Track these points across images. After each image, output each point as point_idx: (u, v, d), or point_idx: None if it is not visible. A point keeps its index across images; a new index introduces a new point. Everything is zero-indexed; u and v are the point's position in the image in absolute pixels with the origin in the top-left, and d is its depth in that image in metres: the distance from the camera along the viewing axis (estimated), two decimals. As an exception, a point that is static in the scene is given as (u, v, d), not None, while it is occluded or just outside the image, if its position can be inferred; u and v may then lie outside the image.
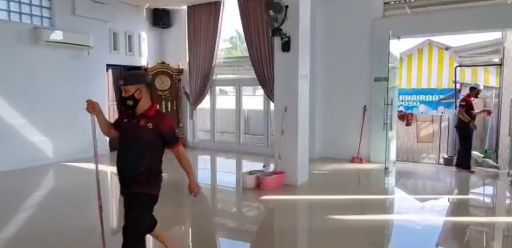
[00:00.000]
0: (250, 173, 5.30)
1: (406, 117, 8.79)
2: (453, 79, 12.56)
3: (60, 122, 7.11)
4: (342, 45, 7.19)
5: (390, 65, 6.54)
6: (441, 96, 15.91)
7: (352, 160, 7.00)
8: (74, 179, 5.87)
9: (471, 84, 13.33)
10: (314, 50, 7.19)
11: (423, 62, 16.85)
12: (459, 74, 13.90)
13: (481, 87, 6.53)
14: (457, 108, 6.76)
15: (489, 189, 5.67)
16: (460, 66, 11.75)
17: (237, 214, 4.46)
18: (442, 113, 16.08)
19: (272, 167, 5.60)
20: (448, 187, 5.63)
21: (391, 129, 6.25)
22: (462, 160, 6.32)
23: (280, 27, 4.90)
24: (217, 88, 9.80)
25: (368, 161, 6.97)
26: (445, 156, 7.33)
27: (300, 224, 4.17)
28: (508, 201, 4.99)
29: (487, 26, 6.02)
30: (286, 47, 5.11)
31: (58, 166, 6.69)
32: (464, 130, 6.30)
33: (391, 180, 6.07)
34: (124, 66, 8.53)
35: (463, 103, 6.34)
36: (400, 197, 5.11)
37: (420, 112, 16.52)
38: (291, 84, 5.17)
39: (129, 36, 8.49)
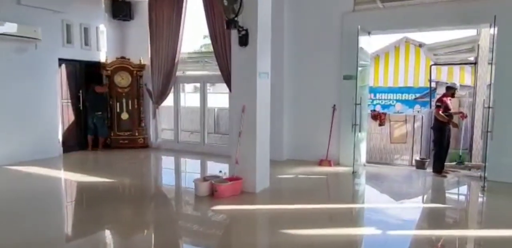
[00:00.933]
0: (205, 179, 4.82)
1: (379, 117, 8.46)
2: (429, 78, 12.37)
3: (4, 122, 6.44)
4: (311, 41, 6.77)
5: (360, 62, 6.16)
6: (417, 95, 15.79)
7: (321, 163, 6.61)
8: (17, 186, 5.28)
9: (447, 83, 13.14)
10: (282, 46, 6.77)
11: (399, 60, 16.68)
12: (435, 72, 13.75)
13: (458, 86, 6.21)
14: (433, 109, 6.44)
15: (461, 197, 5.31)
16: (435, 64, 11.54)
17: (180, 228, 3.93)
18: (418, 111, 15.97)
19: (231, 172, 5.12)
20: (418, 194, 5.23)
21: (360, 131, 5.87)
22: (435, 163, 6.00)
23: (235, 19, 4.42)
24: (192, 85, 9.30)
25: (338, 164, 6.59)
26: (417, 158, 7.01)
27: (253, 241, 3.69)
28: (479, 209, 4.67)
29: (461, 22, 5.69)
30: (243, 41, 4.64)
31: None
32: (439, 132, 5.97)
33: (359, 186, 5.69)
34: (80, 61, 7.90)
35: (439, 104, 6.01)
36: (367, 207, 4.69)
37: (396, 111, 16.39)
38: (249, 81, 4.71)
39: (85, 29, 7.86)
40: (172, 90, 8.21)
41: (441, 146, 5.97)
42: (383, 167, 6.94)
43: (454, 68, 15.45)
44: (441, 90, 13.10)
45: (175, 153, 7.90)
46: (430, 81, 11.57)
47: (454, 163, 6.85)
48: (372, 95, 16.97)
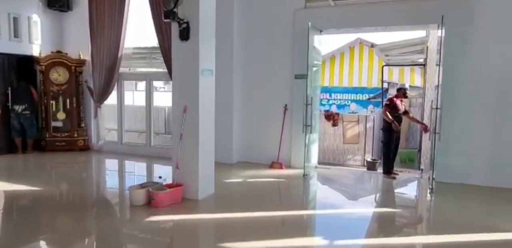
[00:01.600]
0: (142, 186, 4.37)
1: (332, 117, 8.37)
2: (381, 78, 12.56)
3: None
4: (263, 38, 6.49)
5: (314, 62, 5.97)
6: (371, 95, 16.08)
7: (272, 165, 6.35)
8: None
9: (397, 83, 13.42)
10: (232, 43, 6.43)
11: (354, 60, 16.93)
12: (387, 73, 14.01)
13: (407, 87, 6.16)
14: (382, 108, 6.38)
15: (410, 201, 5.19)
16: (387, 65, 11.72)
17: (105, 244, 3.49)
18: (371, 111, 16.27)
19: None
20: (368, 198, 5.03)
21: (311, 132, 5.65)
22: (384, 164, 5.92)
23: (174, 10, 4.02)
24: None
25: (289, 166, 6.36)
26: (369, 159, 6.95)
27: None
28: (428, 214, 4.59)
29: (411, 22, 5.63)
30: (184, 34, 4.24)
31: None
32: (387, 132, 5.89)
33: (309, 190, 5.46)
34: (9, 55, 7.10)
35: (387, 103, 5.96)
36: (318, 213, 4.44)
37: (351, 111, 16.61)
38: (190, 79, 4.32)
39: (15, 19, 7.07)
40: (116, 87, 7.61)
41: (389, 147, 5.90)
42: (335, 168, 6.80)
43: (405, 69, 15.90)
44: (393, 91, 13.39)
45: (119, 156, 7.32)
46: (382, 81, 11.72)
47: (405, 163, 6.85)
48: (328, 95, 17.11)
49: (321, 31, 6.13)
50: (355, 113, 16.33)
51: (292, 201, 4.90)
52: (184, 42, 4.28)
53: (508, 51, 5.11)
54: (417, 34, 9.45)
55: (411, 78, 15.86)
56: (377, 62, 16.34)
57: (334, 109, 16.63)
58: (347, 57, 17.08)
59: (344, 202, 4.78)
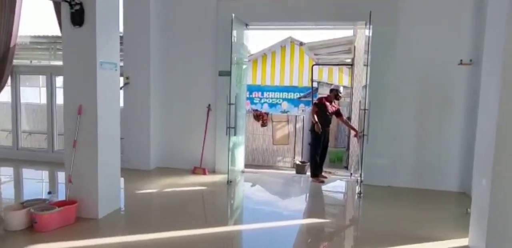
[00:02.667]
0: (23, 205, 3.52)
1: (261, 117, 7.98)
2: (311, 78, 12.55)
3: None
4: (184, 30, 5.84)
5: (240, 58, 5.47)
6: (301, 94, 16.15)
7: (194, 171, 5.75)
8: None
9: (327, 83, 13.53)
10: (148, 36, 5.70)
11: (285, 59, 16.88)
12: (317, 73, 14.09)
13: (341, 89, 5.92)
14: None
15: (338, 208, 4.88)
16: (317, 64, 11.70)
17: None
18: (303, 110, 16.34)
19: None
20: (296, 208, 4.55)
21: (235, 134, 5.15)
22: (312, 168, 5.63)
23: (61, -13, 3.25)
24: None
25: (213, 171, 5.82)
26: (298, 161, 6.65)
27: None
28: (357, 223, 4.32)
29: (339, 18, 5.39)
30: (77, 18, 3.47)
31: None
32: (314, 134, 5.59)
33: (234, 199, 4.93)
34: None
35: (316, 102, 5.68)
36: (243, 229, 3.93)
37: (283, 109, 16.55)
38: (86, 73, 3.56)
39: None
40: (10, 83, 6.44)
41: (316, 149, 5.62)
42: (262, 172, 6.38)
43: (334, 69, 16.20)
44: (323, 90, 13.50)
45: (13, 164, 6.19)
46: (312, 81, 11.67)
47: (334, 162, 6.65)
48: (260, 93, 16.89)
49: (247, 24, 5.65)
50: (287, 112, 16.33)
51: (215, 215, 4.28)
52: (78, 28, 3.51)
53: (430, 52, 5.07)
54: (345, 33, 9.46)
55: (339, 78, 16.22)
56: (307, 62, 16.46)
57: (266, 107, 16.47)
58: (279, 56, 16.98)
59: (271, 214, 4.28)
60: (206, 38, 5.76)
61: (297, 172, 6.28)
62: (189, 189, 4.99)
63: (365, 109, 4.61)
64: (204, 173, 5.68)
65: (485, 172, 2.94)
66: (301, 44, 7.93)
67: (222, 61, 5.57)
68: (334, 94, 5.73)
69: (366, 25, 5.38)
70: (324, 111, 5.55)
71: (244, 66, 5.86)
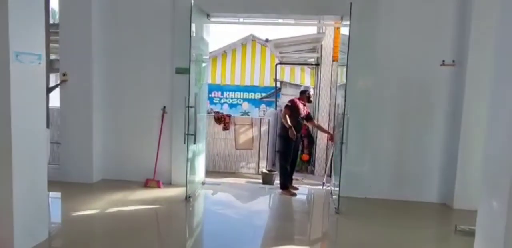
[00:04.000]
0: None
1: (223, 120, 7.28)
2: (274, 77, 12.00)
3: None
4: (134, 18, 5.02)
5: (199, 55, 4.74)
6: (263, 94, 15.60)
7: (147, 184, 4.95)
8: None
9: (289, 82, 13.01)
10: (89, 25, 4.82)
11: (246, 58, 16.26)
12: (279, 72, 13.57)
13: (311, 90, 5.33)
14: (280, 110, 5.50)
15: (313, 229, 4.15)
16: (280, 63, 11.17)
17: None
18: (264, 111, 15.78)
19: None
20: (264, 229, 3.76)
21: (194, 142, 4.41)
22: (281, 178, 5.03)
23: None
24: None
25: (169, 183, 5.05)
26: (264, 170, 6.03)
27: None
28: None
29: (312, 10, 4.82)
30: (-19, -6, 2.59)
31: None
32: (285, 140, 4.99)
33: (193, 222, 4.15)
34: None
35: (289, 104, 5.03)
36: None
37: (243, 110, 15.91)
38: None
39: None
40: None
41: (287, 157, 5.02)
42: (225, 183, 5.69)
43: (296, 69, 15.82)
44: (286, 91, 12.99)
45: None
46: (276, 80, 11.12)
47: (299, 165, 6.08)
48: (220, 93, 16.14)
49: (208, 15, 4.94)
50: (248, 112, 15.72)
51: (171, 245, 3.51)
52: (-18, 7, 2.63)
53: (411, 52, 4.64)
54: (309, 32, 9.00)
55: (301, 78, 15.86)
56: (269, 60, 15.94)
57: (226, 108, 15.75)
58: (239, 54, 16.32)
59: (237, 240, 3.59)
60: (160, 28, 4.97)
61: (264, 182, 5.66)
62: (140, 209, 4.17)
63: (344, 114, 4.06)
64: (158, 186, 4.90)
65: (499, 192, 2.45)
66: (266, 40, 7.31)
67: (179, 57, 4.81)
68: (306, 96, 5.15)
69: (341, 20, 4.87)
70: (297, 114, 4.96)
71: (204, 64, 5.14)
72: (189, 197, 4.45)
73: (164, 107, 5.04)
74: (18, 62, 2.74)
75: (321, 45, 8.35)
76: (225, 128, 7.31)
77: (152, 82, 5.07)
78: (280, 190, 4.98)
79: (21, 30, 2.77)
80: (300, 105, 5.03)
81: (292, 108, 4.96)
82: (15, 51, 2.71)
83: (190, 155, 4.42)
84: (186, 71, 4.51)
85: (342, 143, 4.16)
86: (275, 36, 7.41)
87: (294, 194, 4.91)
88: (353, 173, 4.75)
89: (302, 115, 5.04)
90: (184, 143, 4.33)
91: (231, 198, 5.02)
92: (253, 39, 16.04)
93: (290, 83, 12.91)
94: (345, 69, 4.48)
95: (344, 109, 4.06)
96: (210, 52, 7.68)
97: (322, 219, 4.51)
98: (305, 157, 7.76)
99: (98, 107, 5.00)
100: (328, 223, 4.32)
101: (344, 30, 4.73)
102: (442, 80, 4.61)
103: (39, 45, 2.97)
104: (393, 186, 4.81)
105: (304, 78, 15.81)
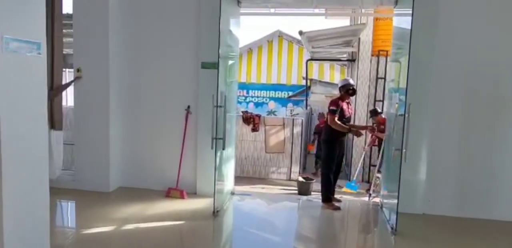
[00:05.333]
0: None
1: (252, 120, 6.65)
2: (303, 75, 11.30)
3: None
4: (156, 10, 4.46)
5: (226, 51, 4.10)
6: (290, 93, 14.92)
7: (169, 193, 4.39)
8: None
9: (318, 80, 12.18)
10: (107, 16, 4.28)
11: (273, 55, 15.58)
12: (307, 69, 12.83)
13: (351, 81, 4.57)
14: (326, 116, 4.80)
15: None
16: (311, 59, 10.45)
17: None
18: (291, 110, 15.08)
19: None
20: None
21: (223, 148, 3.79)
22: (323, 189, 4.34)
23: None
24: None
25: (194, 193, 4.47)
26: (300, 178, 5.35)
27: None
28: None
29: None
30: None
31: None
32: (329, 146, 4.31)
33: (220, 244, 3.57)
34: None
35: (334, 108, 4.27)
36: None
37: (270, 109, 15.27)
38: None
39: None
40: None
41: (331, 165, 4.33)
42: (257, 194, 5.06)
43: (325, 66, 15.03)
44: (315, 89, 12.23)
45: None
46: (306, 78, 10.40)
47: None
48: (245, 92, 15.56)
49: (239, 2, 4.31)
50: (274, 112, 15.06)
51: None
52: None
53: (479, 45, 3.86)
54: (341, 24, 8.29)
55: (330, 75, 15.07)
56: (297, 58, 15.23)
57: (251, 107, 15.15)
58: (265, 51, 15.67)
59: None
60: (185, 19, 4.39)
61: (300, 193, 4.98)
62: (161, 226, 3.59)
63: (404, 115, 3.34)
64: (182, 197, 4.32)
65: None
66: (300, 33, 6.62)
67: (206, 51, 4.23)
68: (347, 89, 4.39)
69: (395, 6, 4.14)
70: (342, 116, 4.27)
71: (231, 62, 4.46)
72: (217, 211, 3.84)
73: (189, 106, 4.45)
74: (8, 51, 2.19)
75: (359, 39, 7.59)
76: (254, 129, 6.69)
77: (176, 79, 4.49)
78: (322, 203, 4.30)
79: (12, 10, 2.22)
80: (345, 106, 4.32)
81: (337, 111, 4.22)
82: (6, 36, 2.16)
83: (218, 162, 3.81)
84: (214, 66, 3.92)
85: (397, 149, 3.45)
86: (304, 29, 6.70)
87: (338, 208, 4.22)
88: (409, 184, 4.00)
89: (347, 116, 4.35)
90: (212, 148, 3.72)
91: (265, 213, 4.34)
92: (279, 35, 15.37)
93: (320, 81, 12.17)
94: (399, 65, 3.78)
95: (405, 109, 3.34)
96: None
97: (376, 242, 3.79)
98: (310, 147, 7.26)
99: (115, 106, 4.47)
100: (382, 245, 3.62)
101: (397, 20, 4.03)
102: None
103: (37, 32, 2.42)
104: (457, 201, 4.05)
105: (334, 75, 15.01)
